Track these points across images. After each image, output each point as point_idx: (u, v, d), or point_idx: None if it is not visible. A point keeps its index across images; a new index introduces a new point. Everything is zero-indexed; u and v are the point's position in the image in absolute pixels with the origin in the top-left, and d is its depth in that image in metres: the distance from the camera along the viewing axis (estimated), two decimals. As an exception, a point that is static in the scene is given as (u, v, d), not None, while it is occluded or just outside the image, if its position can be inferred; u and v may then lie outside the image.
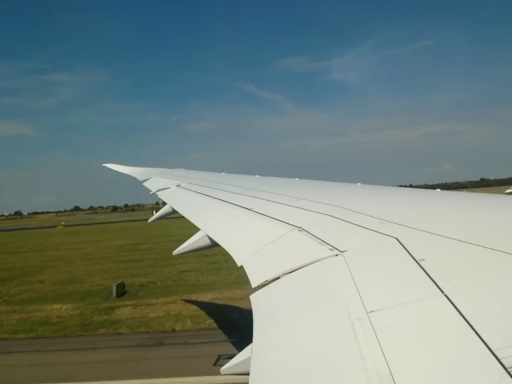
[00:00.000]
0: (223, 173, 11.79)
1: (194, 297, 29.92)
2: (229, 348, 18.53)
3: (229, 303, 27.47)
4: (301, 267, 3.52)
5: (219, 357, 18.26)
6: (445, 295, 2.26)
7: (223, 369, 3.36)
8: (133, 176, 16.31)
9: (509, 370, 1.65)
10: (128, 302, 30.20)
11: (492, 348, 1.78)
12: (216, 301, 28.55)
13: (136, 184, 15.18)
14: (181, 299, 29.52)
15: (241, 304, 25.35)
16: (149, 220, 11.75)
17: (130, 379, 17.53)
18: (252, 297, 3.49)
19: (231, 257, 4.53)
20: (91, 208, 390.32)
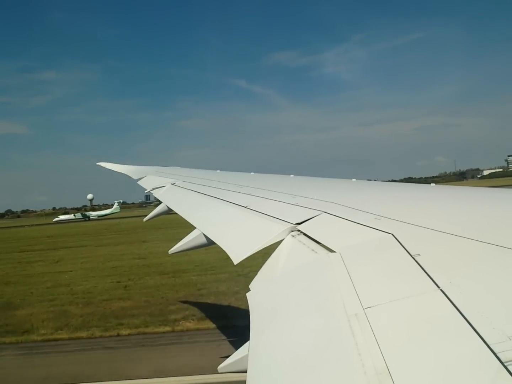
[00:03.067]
0: (218, 171, 11.77)
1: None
2: None
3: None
4: (297, 264, 3.52)
5: None
6: (441, 290, 2.26)
7: (220, 367, 3.36)
8: (128, 174, 16.23)
9: (506, 364, 1.65)
10: None
11: (488, 343, 1.78)
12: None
13: (130, 182, 15.14)
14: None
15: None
16: (145, 219, 11.71)
17: (128, 379, 17.49)
18: (249, 295, 3.49)
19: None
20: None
